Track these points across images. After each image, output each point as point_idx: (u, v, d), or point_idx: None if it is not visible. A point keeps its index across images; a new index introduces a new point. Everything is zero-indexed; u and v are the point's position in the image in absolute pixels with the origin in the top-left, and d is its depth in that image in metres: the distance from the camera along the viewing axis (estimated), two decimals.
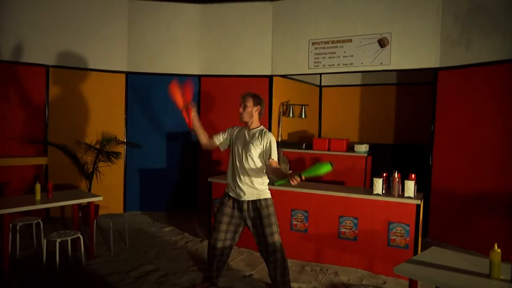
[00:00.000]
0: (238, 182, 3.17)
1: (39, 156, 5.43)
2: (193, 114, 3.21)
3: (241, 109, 3.21)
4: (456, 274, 2.26)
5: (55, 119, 5.64)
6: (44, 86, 5.57)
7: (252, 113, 3.21)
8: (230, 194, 3.27)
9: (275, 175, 3.03)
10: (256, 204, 3.17)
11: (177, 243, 4.74)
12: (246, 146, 3.15)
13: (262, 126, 3.27)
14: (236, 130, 3.33)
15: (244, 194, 3.16)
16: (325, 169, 2.66)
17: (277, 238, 3.16)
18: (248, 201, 3.18)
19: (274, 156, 3.13)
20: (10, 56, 5.29)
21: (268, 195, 3.22)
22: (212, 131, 6.23)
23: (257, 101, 3.24)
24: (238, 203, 3.22)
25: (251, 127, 3.23)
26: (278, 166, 3.15)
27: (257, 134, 3.17)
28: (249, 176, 3.15)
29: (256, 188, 3.17)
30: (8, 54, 5.27)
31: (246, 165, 3.15)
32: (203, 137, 3.33)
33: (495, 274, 2.18)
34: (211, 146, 3.37)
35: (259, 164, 3.15)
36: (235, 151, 3.23)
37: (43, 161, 5.44)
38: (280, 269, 3.19)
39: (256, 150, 3.12)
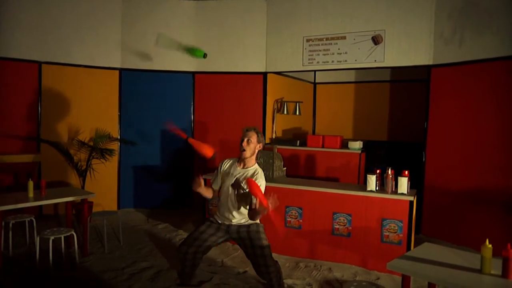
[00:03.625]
0: (228, 214, 3.10)
1: (32, 153, 5.39)
2: (200, 181, 3.08)
3: (244, 143, 3.08)
4: (448, 269, 2.28)
5: (48, 116, 5.60)
6: (36, 82, 5.52)
7: (254, 151, 3.12)
8: (218, 221, 3.17)
9: (251, 213, 2.99)
10: (246, 227, 3.11)
11: (171, 240, 4.74)
12: (238, 186, 3.05)
13: (256, 164, 3.17)
14: (227, 165, 3.23)
15: (235, 219, 3.11)
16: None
17: (267, 252, 3.05)
18: (238, 224, 3.12)
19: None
20: (1, 52, 5.22)
21: (258, 220, 3.14)
22: (206, 130, 6.18)
23: (260, 139, 3.14)
24: (226, 226, 3.14)
25: (246, 165, 3.13)
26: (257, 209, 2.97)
27: (250, 175, 3.06)
28: (239, 209, 3.09)
29: (246, 216, 3.10)
30: None
31: (237, 202, 3.07)
32: (208, 194, 3.26)
33: (486, 269, 2.21)
34: (215, 194, 3.30)
35: (249, 200, 3.04)
36: (226, 188, 3.11)
37: (36, 158, 5.40)
38: (276, 279, 3.15)
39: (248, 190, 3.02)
